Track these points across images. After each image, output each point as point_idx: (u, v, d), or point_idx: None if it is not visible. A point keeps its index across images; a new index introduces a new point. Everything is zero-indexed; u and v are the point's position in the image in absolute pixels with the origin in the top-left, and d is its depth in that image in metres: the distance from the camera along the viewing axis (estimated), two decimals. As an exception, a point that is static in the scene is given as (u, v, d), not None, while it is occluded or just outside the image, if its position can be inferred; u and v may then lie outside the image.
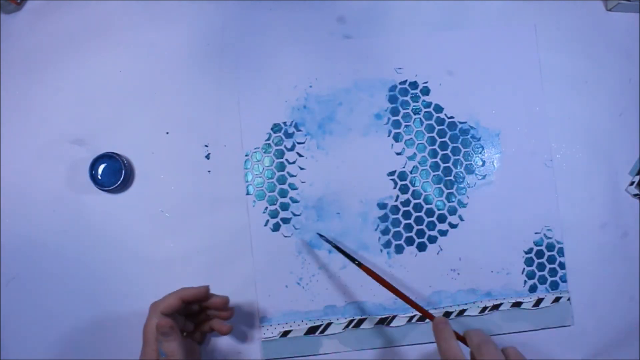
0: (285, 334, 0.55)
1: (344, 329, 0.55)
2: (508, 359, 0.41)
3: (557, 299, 0.56)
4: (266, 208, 0.56)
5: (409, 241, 0.56)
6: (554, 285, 0.57)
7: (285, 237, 0.56)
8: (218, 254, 0.55)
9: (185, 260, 0.55)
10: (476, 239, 0.57)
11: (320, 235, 0.55)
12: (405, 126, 0.57)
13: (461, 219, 0.57)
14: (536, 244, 0.57)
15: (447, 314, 0.56)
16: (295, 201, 0.56)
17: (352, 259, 0.51)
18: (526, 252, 0.57)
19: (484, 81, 0.58)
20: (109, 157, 0.54)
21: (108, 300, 0.55)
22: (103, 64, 0.57)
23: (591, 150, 0.58)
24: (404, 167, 0.57)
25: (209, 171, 0.56)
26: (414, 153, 0.57)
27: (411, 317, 0.56)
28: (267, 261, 0.55)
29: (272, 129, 0.57)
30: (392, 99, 0.58)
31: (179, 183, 0.56)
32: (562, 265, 0.57)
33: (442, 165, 0.57)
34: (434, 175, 0.57)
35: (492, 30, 0.59)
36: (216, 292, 0.55)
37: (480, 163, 0.57)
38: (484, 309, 0.56)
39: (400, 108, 0.57)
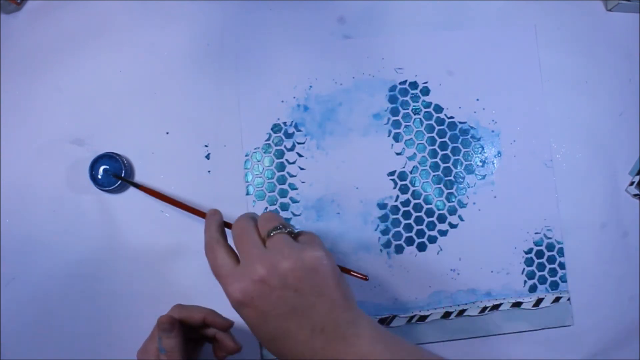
0: (285, 334, 0.55)
1: (344, 329, 0.55)
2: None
3: (557, 299, 0.56)
4: (266, 208, 0.56)
5: (409, 241, 0.56)
6: (554, 286, 0.57)
7: (285, 237, 0.56)
8: (218, 254, 0.55)
9: (185, 261, 0.55)
10: (476, 239, 0.57)
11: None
12: (405, 126, 0.57)
13: (461, 219, 0.57)
14: (536, 244, 0.57)
15: (447, 314, 0.56)
16: (295, 201, 0.56)
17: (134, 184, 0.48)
18: (526, 252, 0.57)
19: (484, 81, 0.58)
20: (109, 157, 0.54)
21: (108, 301, 0.55)
22: (103, 64, 0.57)
23: (591, 150, 0.58)
24: (404, 167, 0.57)
25: (209, 171, 0.56)
26: (414, 153, 0.57)
27: (411, 317, 0.56)
28: (267, 261, 0.55)
29: (272, 129, 0.57)
30: (392, 99, 0.58)
31: (179, 183, 0.56)
32: (562, 266, 0.57)
33: (442, 166, 0.57)
34: (434, 176, 0.57)
35: (492, 30, 0.59)
36: (216, 293, 0.54)
37: (480, 163, 0.57)
38: (484, 309, 0.56)
39: (400, 108, 0.57)
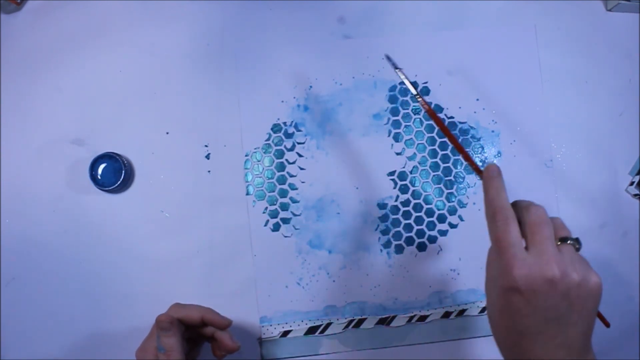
0: (285, 334, 0.55)
1: (344, 329, 0.55)
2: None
3: (557, 299, 0.56)
4: (266, 208, 0.56)
5: (409, 241, 0.56)
6: (554, 285, 0.57)
7: (285, 237, 0.56)
8: (218, 254, 0.55)
9: (185, 260, 0.55)
10: (476, 239, 0.57)
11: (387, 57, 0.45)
12: (405, 126, 0.57)
13: (461, 219, 0.57)
14: (536, 244, 0.57)
15: (447, 314, 0.56)
16: (295, 201, 0.56)
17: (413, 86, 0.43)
18: (526, 252, 0.57)
19: (484, 81, 0.58)
20: (109, 157, 0.54)
21: (108, 300, 0.55)
22: (103, 64, 0.57)
23: (591, 150, 0.58)
24: (404, 167, 0.57)
25: (209, 171, 0.56)
26: (414, 153, 0.57)
27: (411, 317, 0.56)
28: (267, 261, 0.55)
29: (272, 129, 0.57)
30: (392, 99, 0.58)
31: (179, 183, 0.56)
32: (562, 265, 0.57)
33: (442, 166, 0.57)
34: (434, 176, 0.57)
35: (492, 30, 0.59)
36: (216, 292, 0.55)
37: (481, 163, 0.57)
38: (484, 309, 0.56)
39: (400, 108, 0.57)
